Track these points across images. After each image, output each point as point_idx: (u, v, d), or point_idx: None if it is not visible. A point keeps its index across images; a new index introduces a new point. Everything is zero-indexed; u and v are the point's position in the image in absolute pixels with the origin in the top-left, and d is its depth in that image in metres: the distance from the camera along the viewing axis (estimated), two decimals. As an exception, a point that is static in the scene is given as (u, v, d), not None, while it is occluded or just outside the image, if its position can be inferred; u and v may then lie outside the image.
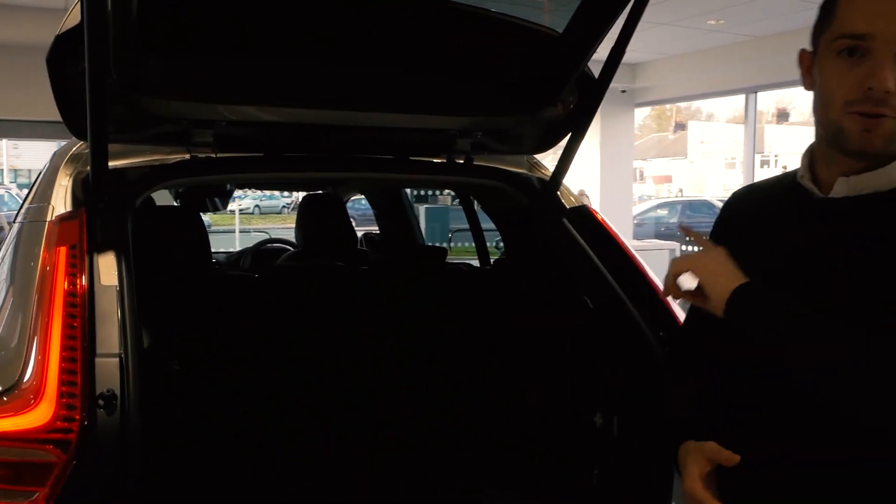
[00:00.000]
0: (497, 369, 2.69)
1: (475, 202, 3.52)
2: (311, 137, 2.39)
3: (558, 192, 2.62)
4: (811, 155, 1.31)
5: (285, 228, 16.87)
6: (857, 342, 1.13)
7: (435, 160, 2.54)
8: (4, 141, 17.80)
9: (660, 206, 20.79)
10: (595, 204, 10.58)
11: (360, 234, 4.04)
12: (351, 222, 3.51)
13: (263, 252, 4.37)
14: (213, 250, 5.50)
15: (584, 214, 2.55)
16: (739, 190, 1.51)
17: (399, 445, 2.51)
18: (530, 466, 2.48)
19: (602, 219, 2.56)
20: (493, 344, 2.70)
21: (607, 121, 11.08)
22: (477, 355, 2.73)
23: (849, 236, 1.21)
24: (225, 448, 2.38)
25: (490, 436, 2.63)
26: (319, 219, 3.42)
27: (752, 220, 1.39)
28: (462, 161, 2.55)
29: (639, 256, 2.46)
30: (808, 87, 1.27)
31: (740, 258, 1.29)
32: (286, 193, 19.41)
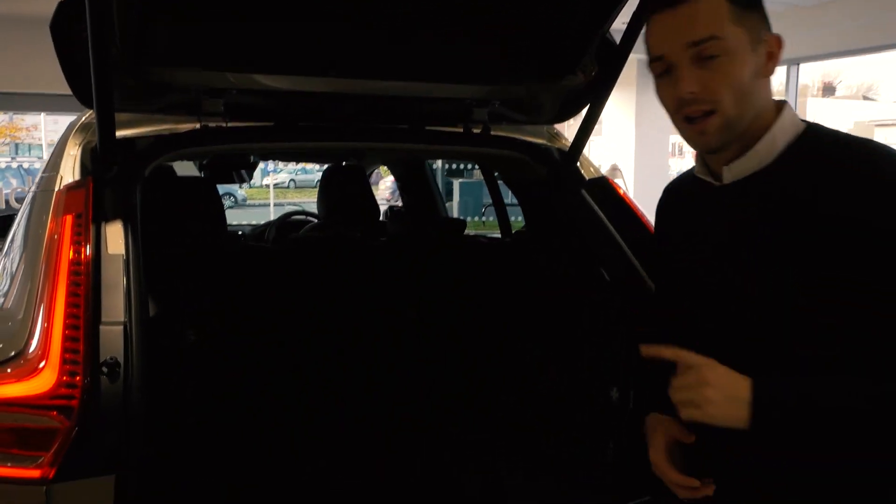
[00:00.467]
0: (514, 342, 2.65)
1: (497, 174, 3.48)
2: (325, 107, 2.36)
3: (578, 164, 2.57)
4: (698, 154, 1.38)
5: (320, 203, 16.90)
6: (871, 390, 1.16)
7: (451, 130, 2.50)
8: (43, 115, 18.09)
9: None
10: (629, 179, 10.44)
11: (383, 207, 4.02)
12: (373, 194, 3.48)
13: (288, 224, 4.37)
14: (245, 223, 5.55)
15: (604, 186, 2.49)
16: (670, 183, 1.56)
17: (415, 422, 2.49)
18: (546, 442, 2.46)
19: (623, 192, 2.51)
20: (510, 317, 2.66)
21: (643, 93, 10.86)
22: (493, 328, 2.70)
23: (743, 218, 1.28)
24: (238, 421, 2.39)
25: (506, 409, 2.60)
26: (341, 190, 3.40)
27: (675, 214, 1.49)
28: (479, 131, 2.50)
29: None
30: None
31: (670, 253, 1.42)
32: (321, 167, 19.44)
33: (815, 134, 1.28)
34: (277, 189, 23.81)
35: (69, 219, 1.78)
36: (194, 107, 2.17)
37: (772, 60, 1.25)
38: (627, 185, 9.70)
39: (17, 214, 3.39)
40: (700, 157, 1.38)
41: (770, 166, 1.27)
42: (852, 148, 1.23)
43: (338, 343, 2.58)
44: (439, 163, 14.87)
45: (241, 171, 4.58)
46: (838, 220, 1.16)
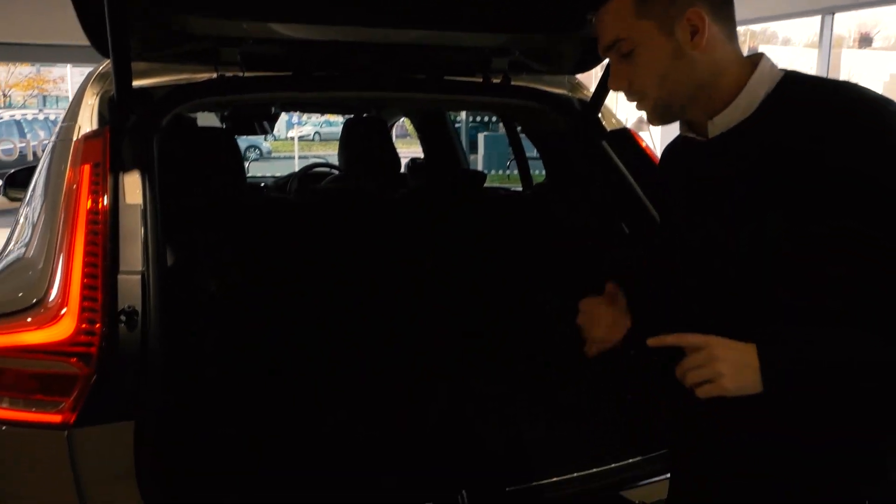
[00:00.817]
0: (533, 294, 2.65)
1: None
2: (342, 56, 2.33)
3: (600, 115, 2.53)
4: None
5: (345, 155, 16.88)
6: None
7: (469, 80, 2.47)
8: (70, 67, 18.17)
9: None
10: (656, 133, 10.28)
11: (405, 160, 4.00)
12: (394, 146, 3.47)
13: (310, 176, 4.36)
14: (269, 175, 5.55)
15: (625, 138, 2.46)
16: (670, 142, 1.57)
17: (435, 374, 2.51)
18: (565, 394, 2.47)
19: (644, 143, 2.47)
20: (529, 269, 2.65)
21: (671, 44, 10.65)
22: (513, 281, 2.69)
23: (727, 171, 1.31)
24: (258, 371, 2.41)
25: (526, 361, 2.61)
26: (362, 142, 3.38)
27: (671, 172, 1.52)
28: (499, 81, 2.47)
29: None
30: None
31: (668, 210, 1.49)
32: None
33: (793, 81, 1.30)
34: (302, 142, 23.82)
35: (87, 168, 1.79)
36: (211, 56, 2.16)
37: (698, 34, 1.27)
38: (654, 139, 9.56)
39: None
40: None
41: (752, 117, 1.30)
42: (830, 93, 1.26)
43: (358, 294, 2.59)
44: (464, 115, 14.78)
45: (263, 122, 4.57)
46: (820, 165, 1.18)
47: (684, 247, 1.42)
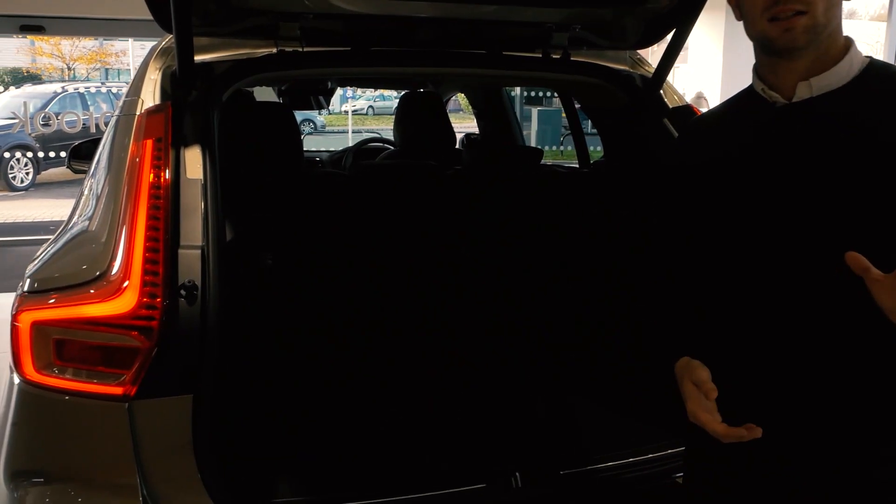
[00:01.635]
0: (587, 274, 2.61)
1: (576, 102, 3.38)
2: (401, 32, 2.31)
3: (661, 92, 2.47)
4: (757, 71, 1.40)
5: (398, 130, 16.91)
6: None
7: (529, 56, 2.42)
8: (132, 41, 18.46)
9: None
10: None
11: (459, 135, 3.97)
12: (450, 121, 3.44)
13: (365, 151, 4.37)
14: (324, 150, 5.57)
15: (687, 115, 2.39)
16: (697, 117, 1.60)
17: (490, 355, 2.50)
18: (614, 377, 2.43)
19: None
20: (583, 248, 2.61)
21: (732, 20, 10.38)
22: (565, 259, 2.66)
23: (815, 134, 1.30)
24: (311, 345, 2.43)
25: (573, 348, 2.58)
26: (417, 117, 3.37)
27: (705, 144, 1.47)
28: (559, 56, 2.42)
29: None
30: (738, 18, 1.38)
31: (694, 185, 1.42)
32: (399, 94, 19.51)
33: (877, 66, 1.33)
34: (356, 116, 23.90)
35: (149, 143, 1.80)
36: (271, 31, 2.15)
37: None
38: (714, 115, 9.39)
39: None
40: (759, 76, 1.39)
41: (843, 89, 1.30)
42: None
43: (412, 271, 2.59)
44: (517, 90, 14.65)
45: (319, 97, 4.58)
46: None
47: (747, 213, 1.35)
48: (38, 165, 12.48)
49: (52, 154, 11.18)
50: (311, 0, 2.05)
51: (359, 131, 17.86)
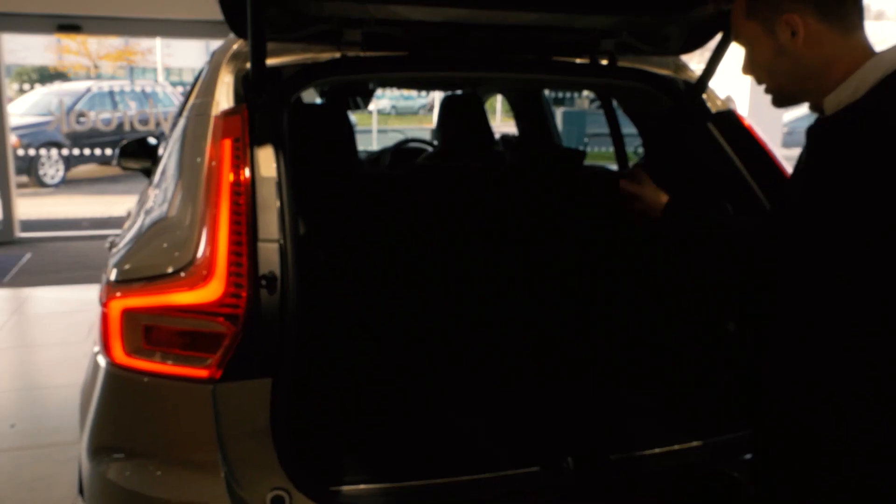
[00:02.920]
0: (630, 274, 2.71)
1: (615, 104, 3.47)
2: (456, 37, 2.41)
3: (704, 96, 2.56)
4: None
5: (421, 129, 17.06)
6: None
7: (578, 60, 2.52)
8: (159, 40, 18.66)
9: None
10: (742, 110, 10.08)
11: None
12: (489, 123, 3.54)
13: (402, 151, 4.48)
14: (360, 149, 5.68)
15: (730, 119, 2.48)
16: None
17: (542, 347, 2.60)
18: (661, 372, 2.53)
19: (749, 124, 2.49)
20: (626, 249, 2.71)
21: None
22: (610, 260, 2.75)
23: (834, 149, 1.40)
24: (369, 338, 2.54)
25: (621, 342, 2.68)
26: (459, 119, 3.46)
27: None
28: (606, 62, 2.52)
29: (787, 165, 2.39)
30: None
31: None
32: (422, 95, 19.64)
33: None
34: (379, 115, 24.06)
35: (228, 142, 1.91)
36: (334, 37, 2.26)
37: (796, 36, 1.41)
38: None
39: (149, 137, 3.62)
40: None
41: (861, 101, 1.38)
42: None
43: (463, 268, 2.69)
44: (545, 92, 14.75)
45: (358, 98, 4.70)
46: None
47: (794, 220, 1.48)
48: (69, 163, 12.70)
49: (85, 151, 11.37)
50: (373, 7, 2.16)
51: (384, 131, 17.99)
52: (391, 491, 1.90)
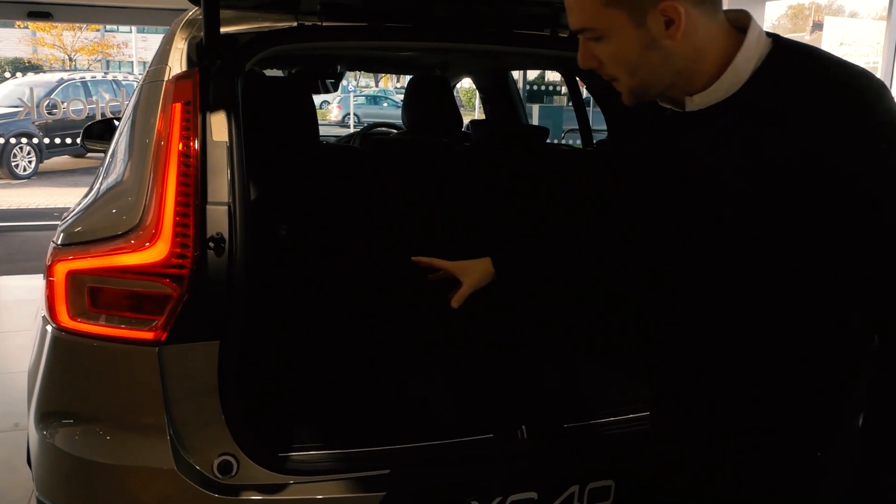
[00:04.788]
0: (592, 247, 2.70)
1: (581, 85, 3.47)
2: (415, 8, 2.40)
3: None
4: None
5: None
6: None
7: (538, 33, 2.52)
8: (134, 33, 18.55)
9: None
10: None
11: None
12: (457, 105, 3.53)
13: (372, 135, 4.46)
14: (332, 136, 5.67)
15: None
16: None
17: (492, 322, 2.59)
18: (624, 348, 2.53)
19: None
20: (586, 222, 2.71)
21: (734, 16, 10.44)
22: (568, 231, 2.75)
23: (710, 141, 1.29)
24: (324, 308, 2.53)
25: (583, 317, 2.68)
26: (425, 100, 3.46)
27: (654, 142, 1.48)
28: (566, 35, 2.51)
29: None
30: None
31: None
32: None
33: (782, 55, 1.25)
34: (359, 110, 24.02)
35: (179, 106, 1.89)
36: (292, 6, 2.24)
37: (673, 25, 1.20)
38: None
39: (115, 119, 3.57)
40: None
41: (738, 93, 1.25)
42: (815, 69, 1.22)
43: (425, 240, 2.68)
44: (520, 85, 14.79)
45: (328, 80, 4.68)
46: (794, 147, 1.18)
47: (654, 214, 1.43)
48: (41, 154, 12.57)
49: (56, 141, 11.26)
50: (331, -26, 2.15)
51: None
52: (340, 457, 1.88)
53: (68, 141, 10.86)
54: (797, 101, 1.19)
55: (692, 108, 1.29)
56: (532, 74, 15.51)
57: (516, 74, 14.01)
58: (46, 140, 11.84)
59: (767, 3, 11.25)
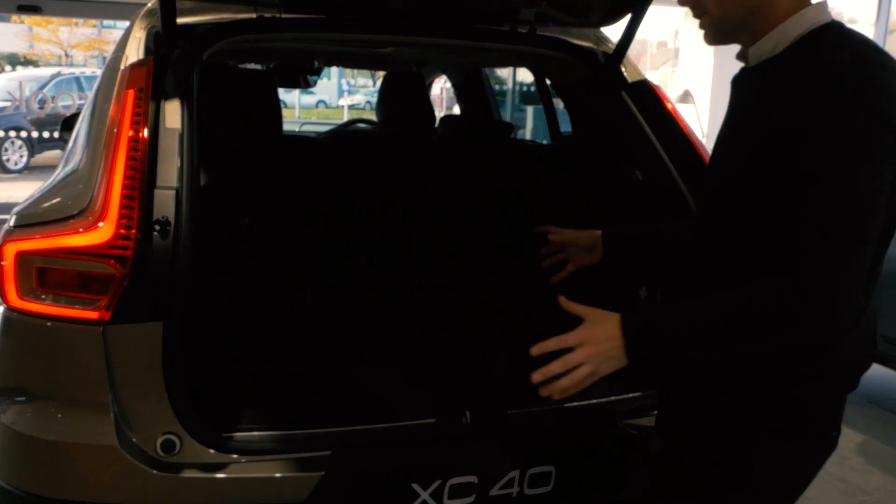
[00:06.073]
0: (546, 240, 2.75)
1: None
2: (376, 1, 2.44)
3: (623, 68, 2.60)
4: None
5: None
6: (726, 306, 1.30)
7: (497, 28, 2.55)
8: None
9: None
10: (703, 106, 10.19)
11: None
12: (430, 101, 3.58)
13: (348, 131, 4.50)
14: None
15: (644, 89, 2.53)
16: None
17: (446, 308, 2.63)
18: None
19: (662, 94, 2.54)
20: (542, 215, 2.75)
21: (724, 19, 10.50)
22: (524, 223, 2.80)
23: (741, 104, 1.45)
24: (283, 297, 2.57)
25: (534, 308, 2.71)
26: (398, 95, 3.50)
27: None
28: (525, 31, 2.55)
29: (698, 134, 2.45)
30: None
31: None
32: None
33: (827, 34, 1.34)
34: (354, 110, 24.08)
35: (132, 93, 1.93)
36: None
37: None
38: (700, 113, 9.50)
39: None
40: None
41: (777, 57, 1.37)
42: (836, 53, 1.29)
43: (379, 230, 2.72)
44: (510, 87, 14.83)
45: (306, 75, 4.71)
46: (773, 123, 1.29)
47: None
48: (33, 148, 12.59)
49: (46, 135, 11.28)
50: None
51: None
52: (284, 438, 1.92)
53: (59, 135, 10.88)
54: (790, 78, 1.30)
55: (752, 63, 1.42)
56: (528, 78, 15.57)
57: (508, 76, 13.98)
58: (37, 134, 11.86)
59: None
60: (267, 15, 2.34)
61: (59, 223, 1.81)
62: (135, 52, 2.17)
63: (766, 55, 1.39)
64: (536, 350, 1.41)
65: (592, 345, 1.36)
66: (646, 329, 1.34)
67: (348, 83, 24.25)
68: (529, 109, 16.41)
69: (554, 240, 2.03)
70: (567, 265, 2.02)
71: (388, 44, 3.38)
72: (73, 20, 22.44)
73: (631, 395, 2.19)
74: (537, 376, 1.39)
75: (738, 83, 1.48)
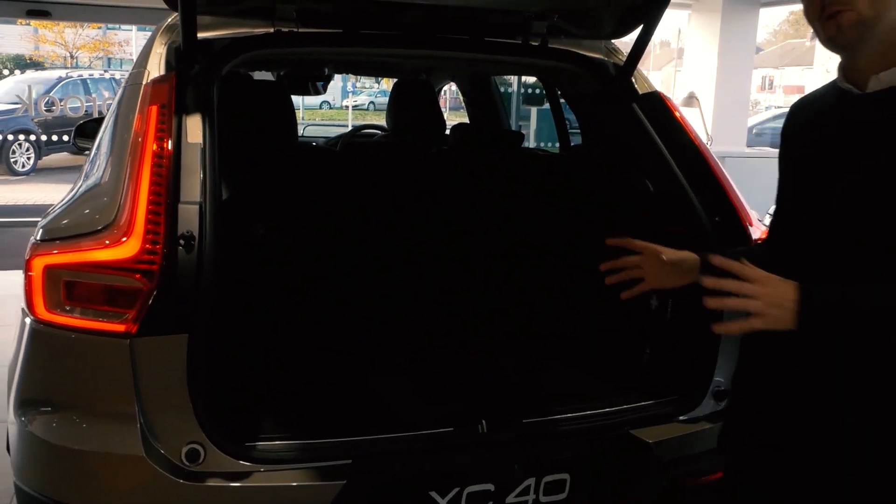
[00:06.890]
0: (557, 249, 2.79)
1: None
2: (391, 16, 2.48)
3: (633, 80, 2.64)
4: (839, 66, 1.49)
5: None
6: None
7: (509, 42, 2.59)
8: (135, 31, 18.65)
9: (779, 116, 19.85)
10: (707, 109, 10.21)
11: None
12: (440, 109, 3.61)
13: (358, 137, 4.54)
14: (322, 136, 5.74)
15: (654, 101, 2.57)
16: (798, 101, 1.65)
17: (462, 317, 2.67)
18: (586, 347, 2.61)
19: (673, 105, 2.58)
20: (554, 225, 2.79)
21: (728, 22, 10.54)
22: (538, 234, 2.84)
23: (870, 121, 1.40)
24: (299, 307, 2.61)
25: (547, 316, 2.76)
26: (408, 104, 3.54)
27: (801, 127, 1.58)
28: (537, 44, 2.59)
29: (708, 147, 2.49)
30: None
31: (791, 156, 1.57)
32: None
33: None
34: (357, 111, 24.17)
35: (154, 109, 1.98)
36: (268, 12, 2.33)
37: None
38: (705, 115, 9.54)
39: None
40: (841, 70, 1.47)
41: None
42: None
43: (393, 239, 2.76)
44: (515, 87, 14.87)
45: (317, 83, 4.76)
46: None
47: (805, 188, 1.50)
48: (40, 150, 12.65)
49: (54, 138, 11.34)
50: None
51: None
52: (304, 447, 1.96)
53: (66, 138, 10.95)
54: None
55: (874, 88, 1.39)
56: (530, 78, 15.60)
57: (513, 78, 14.01)
58: (45, 137, 11.92)
59: (762, 9, 11.32)
60: (284, 29, 2.38)
61: (87, 237, 1.86)
62: (156, 67, 2.21)
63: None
64: (715, 261, 1.38)
65: (771, 286, 1.32)
66: (823, 297, 1.33)
67: (353, 84, 24.31)
68: (533, 111, 16.45)
69: (641, 256, 1.77)
70: (639, 282, 1.79)
71: (403, 57, 3.43)
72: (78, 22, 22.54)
73: (645, 402, 2.23)
74: (713, 303, 1.34)
75: (866, 103, 1.42)
